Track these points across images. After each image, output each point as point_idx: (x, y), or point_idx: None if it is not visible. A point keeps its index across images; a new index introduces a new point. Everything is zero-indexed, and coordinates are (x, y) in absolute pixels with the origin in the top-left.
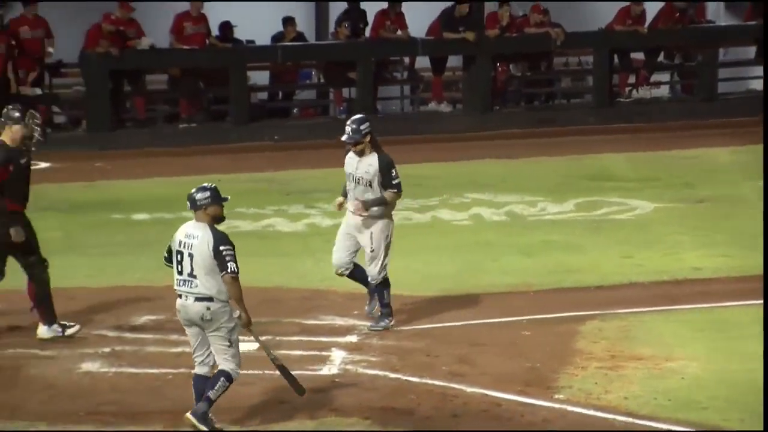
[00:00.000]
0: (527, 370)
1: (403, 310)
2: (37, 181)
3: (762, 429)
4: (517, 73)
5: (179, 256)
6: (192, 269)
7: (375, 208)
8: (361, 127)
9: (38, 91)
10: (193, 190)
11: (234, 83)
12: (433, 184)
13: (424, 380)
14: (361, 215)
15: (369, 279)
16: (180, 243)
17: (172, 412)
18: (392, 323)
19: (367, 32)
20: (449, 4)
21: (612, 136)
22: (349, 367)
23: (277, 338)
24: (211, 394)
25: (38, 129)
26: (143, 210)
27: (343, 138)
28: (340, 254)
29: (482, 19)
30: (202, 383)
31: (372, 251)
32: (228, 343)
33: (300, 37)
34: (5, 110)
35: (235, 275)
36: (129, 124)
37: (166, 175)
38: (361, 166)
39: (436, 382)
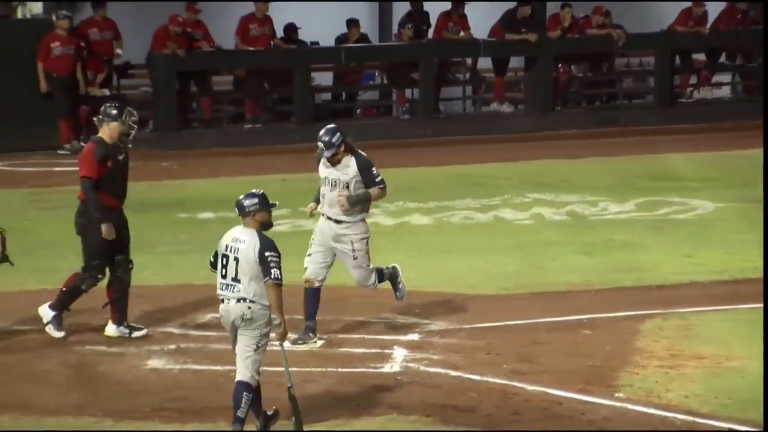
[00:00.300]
0: (588, 369)
1: (464, 308)
2: None
3: (763, 429)
4: (579, 74)
5: (224, 260)
6: (236, 273)
7: (349, 213)
8: (333, 139)
9: (106, 92)
10: (241, 197)
11: (298, 84)
12: (495, 183)
13: (485, 378)
14: (342, 209)
15: (366, 286)
16: (227, 247)
17: None
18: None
19: (430, 33)
20: (511, 5)
21: (673, 137)
22: (410, 364)
23: (340, 336)
24: (239, 413)
25: (135, 126)
26: (209, 209)
27: (318, 154)
28: (315, 267)
29: (544, 21)
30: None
31: (355, 258)
32: (255, 347)
33: (364, 38)
34: (103, 108)
35: (278, 282)
36: (195, 124)
37: (231, 175)
38: (338, 167)
39: (497, 380)
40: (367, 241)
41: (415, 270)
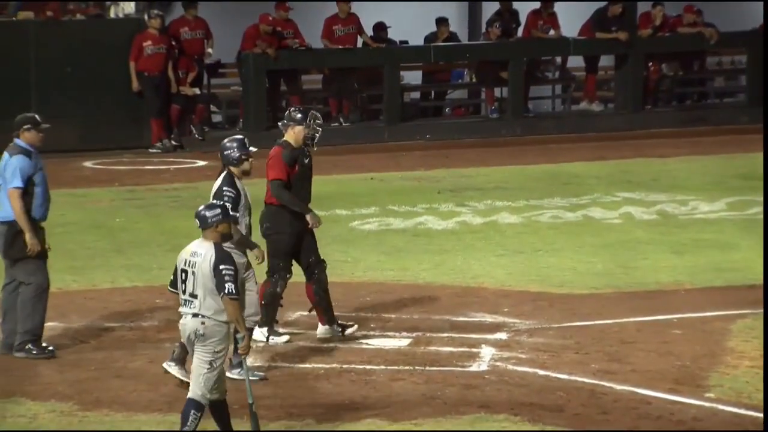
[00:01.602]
0: (677, 369)
1: (552, 307)
2: (195, 180)
3: (762, 429)
4: (670, 73)
5: (183, 275)
6: (194, 288)
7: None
8: None
9: (197, 90)
10: (201, 208)
11: (387, 83)
12: (584, 182)
13: (573, 377)
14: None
15: (255, 314)
16: (185, 262)
17: (324, 406)
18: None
19: (519, 32)
20: (602, 4)
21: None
22: (498, 363)
23: (428, 335)
24: (186, 430)
25: (320, 129)
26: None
27: (254, 150)
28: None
29: (635, 19)
30: (218, 409)
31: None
32: (209, 365)
33: (453, 37)
34: (288, 112)
35: (232, 296)
36: None
37: (321, 174)
38: (246, 189)
39: (586, 380)
40: None
41: (503, 268)
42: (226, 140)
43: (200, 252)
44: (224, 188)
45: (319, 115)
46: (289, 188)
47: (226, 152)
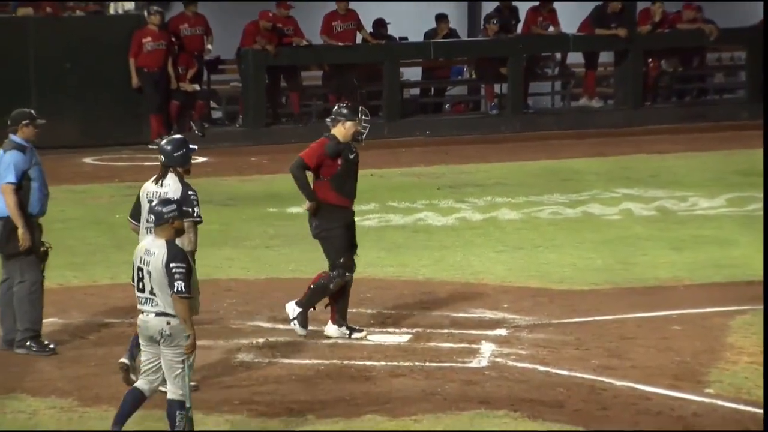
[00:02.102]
0: (677, 364)
1: (552, 303)
2: (193, 176)
3: (762, 429)
4: (669, 69)
5: (140, 273)
6: (151, 287)
7: None
8: None
9: (197, 87)
10: (155, 204)
11: (387, 79)
12: (584, 179)
13: (573, 373)
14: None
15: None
16: (141, 260)
17: (324, 402)
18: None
19: (519, 28)
20: (601, 0)
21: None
22: (498, 359)
23: (428, 331)
24: (177, 430)
25: (368, 126)
26: (297, 203)
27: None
28: None
29: (634, 16)
30: (134, 396)
31: None
32: (182, 365)
33: (452, 33)
34: (336, 107)
35: (182, 295)
36: (284, 119)
37: None
38: None
39: (586, 376)
40: None
41: (503, 265)
42: (164, 142)
43: (153, 250)
44: (189, 192)
45: (367, 111)
46: (329, 184)
47: (175, 154)
